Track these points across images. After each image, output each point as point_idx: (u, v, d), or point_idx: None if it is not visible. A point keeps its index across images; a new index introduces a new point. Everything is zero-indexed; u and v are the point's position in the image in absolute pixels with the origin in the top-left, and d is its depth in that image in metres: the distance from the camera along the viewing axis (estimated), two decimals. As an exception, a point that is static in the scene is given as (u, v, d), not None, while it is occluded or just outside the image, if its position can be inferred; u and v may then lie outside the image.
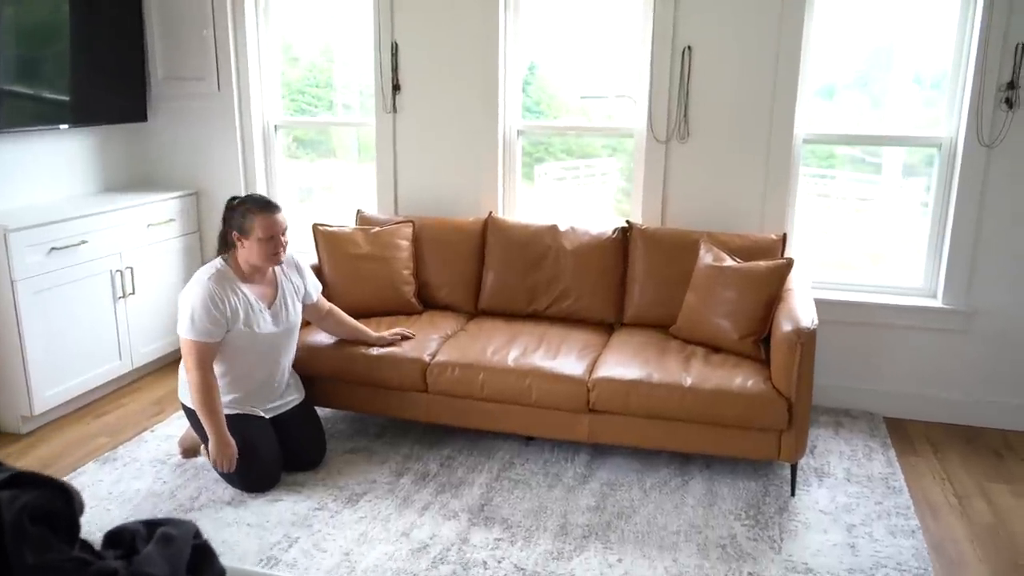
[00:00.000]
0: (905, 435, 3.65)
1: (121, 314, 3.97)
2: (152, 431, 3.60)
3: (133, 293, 4.02)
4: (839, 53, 3.72)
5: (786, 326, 2.95)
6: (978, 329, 3.67)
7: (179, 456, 3.29)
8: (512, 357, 3.27)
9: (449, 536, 2.80)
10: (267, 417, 3.13)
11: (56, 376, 3.63)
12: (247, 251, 2.97)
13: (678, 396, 3.01)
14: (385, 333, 3.40)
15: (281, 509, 2.96)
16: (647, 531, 2.84)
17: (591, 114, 4.18)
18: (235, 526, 2.85)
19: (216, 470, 3.03)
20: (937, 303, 3.72)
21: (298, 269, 3.24)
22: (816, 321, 2.95)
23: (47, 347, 3.56)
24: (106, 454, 3.38)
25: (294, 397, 3.26)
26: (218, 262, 3.00)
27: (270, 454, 3.05)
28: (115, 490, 3.10)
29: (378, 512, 2.94)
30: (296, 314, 3.19)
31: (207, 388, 2.89)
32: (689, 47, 3.70)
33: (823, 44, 3.68)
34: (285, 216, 3.04)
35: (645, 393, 3.05)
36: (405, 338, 3.40)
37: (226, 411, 2.98)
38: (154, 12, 4.26)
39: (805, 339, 2.87)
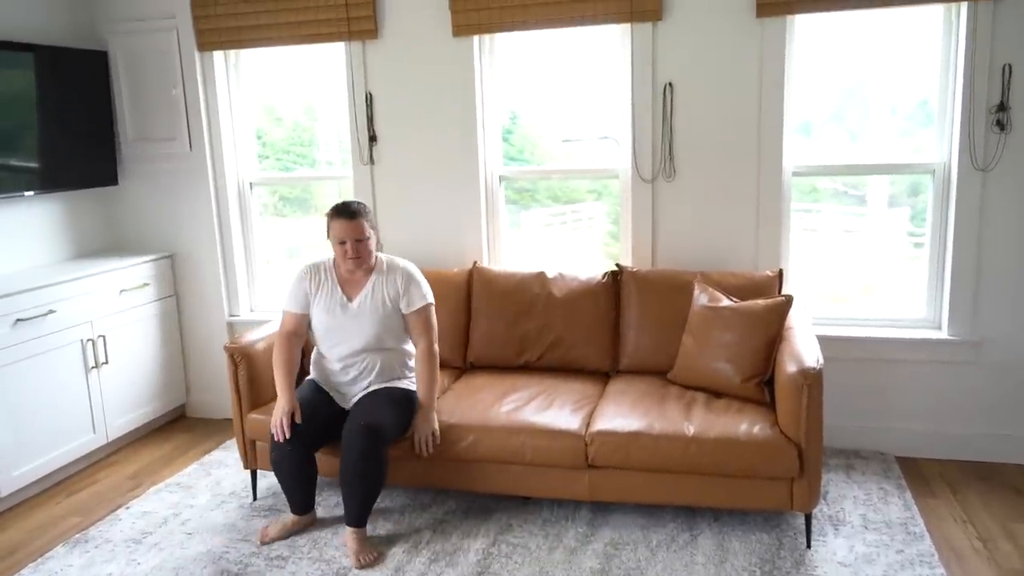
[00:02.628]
0: (920, 475, 3.48)
1: (94, 385, 3.79)
2: (127, 508, 3.40)
3: (106, 363, 3.85)
4: (824, 83, 3.65)
5: (791, 367, 2.81)
6: (987, 359, 3.53)
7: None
8: (504, 414, 3.11)
9: (444, 611, 2.60)
10: (349, 402, 3.11)
11: (25, 454, 3.44)
12: (334, 252, 3.14)
13: (682, 447, 2.85)
14: (424, 436, 3.05)
15: (263, 590, 2.76)
16: (657, 595, 2.66)
17: (574, 158, 4.08)
18: (213, 611, 2.65)
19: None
20: (942, 334, 3.58)
21: (406, 280, 3.16)
22: (821, 360, 2.81)
23: (14, 424, 3.38)
24: (76, 536, 3.17)
25: (373, 387, 3.12)
26: (329, 257, 3.22)
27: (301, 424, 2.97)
28: (86, 574, 2.89)
29: (368, 587, 2.75)
30: (373, 312, 3.11)
31: (279, 348, 3.13)
32: (670, 83, 3.62)
33: (807, 74, 3.61)
34: (363, 224, 3.07)
35: (647, 445, 2.88)
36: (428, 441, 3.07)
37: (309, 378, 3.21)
38: (122, 73, 4.16)
39: (811, 380, 2.72)
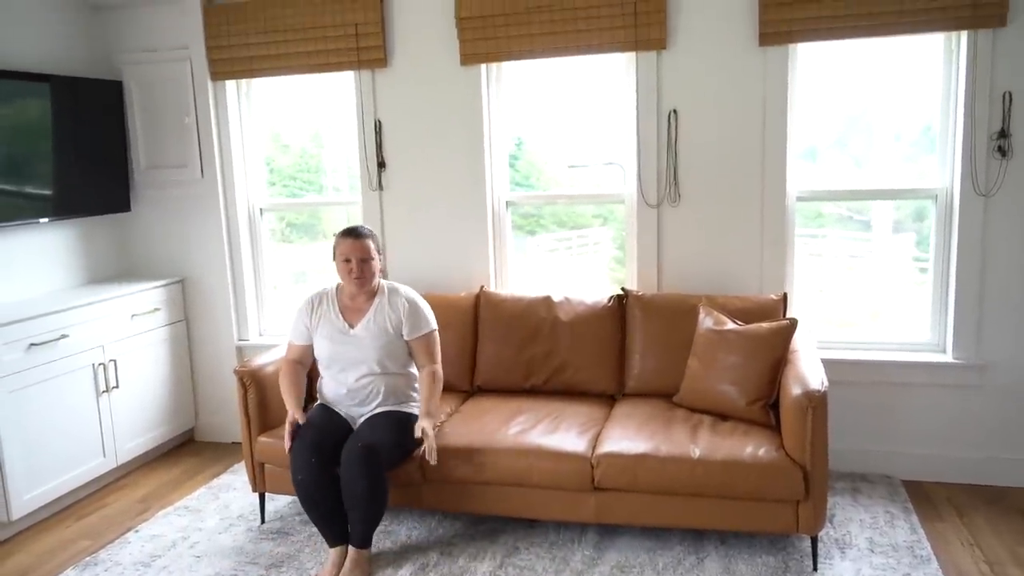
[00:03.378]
0: (926, 498, 3.48)
1: (104, 409, 3.83)
2: (136, 531, 3.42)
3: (117, 387, 3.89)
4: (827, 110, 3.70)
5: (795, 390, 2.83)
6: (992, 383, 3.54)
7: None
8: (510, 436, 3.13)
9: (452, 634, 2.61)
10: (357, 423, 3.15)
11: (36, 478, 3.47)
12: (338, 273, 3.20)
13: (688, 469, 2.86)
14: (426, 430, 3.03)
15: (271, 612, 2.77)
16: (663, 618, 2.66)
17: (580, 184, 4.13)
18: (222, 634, 2.66)
19: None
20: (947, 358, 3.60)
21: (409, 307, 3.22)
22: (826, 383, 2.83)
23: (26, 448, 3.41)
24: (87, 559, 3.20)
25: (379, 409, 3.16)
26: (331, 286, 3.30)
27: (303, 437, 3.03)
28: (94, 599, 2.91)
29: (375, 610, 2.76)
30: (375, 338, 3.16)
31: (284, 373, 3.25)
32: (674, 110, 3.68)
33: (810, 101, 3.66)
34: (368, 244, 3.17)
35: (653, 468, 2.90)
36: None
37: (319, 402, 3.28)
38: (136, 102, 4.24)
39: (816, 402, 2.74)
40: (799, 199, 3.71)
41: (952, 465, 3.61)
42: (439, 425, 3.21)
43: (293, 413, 3.09)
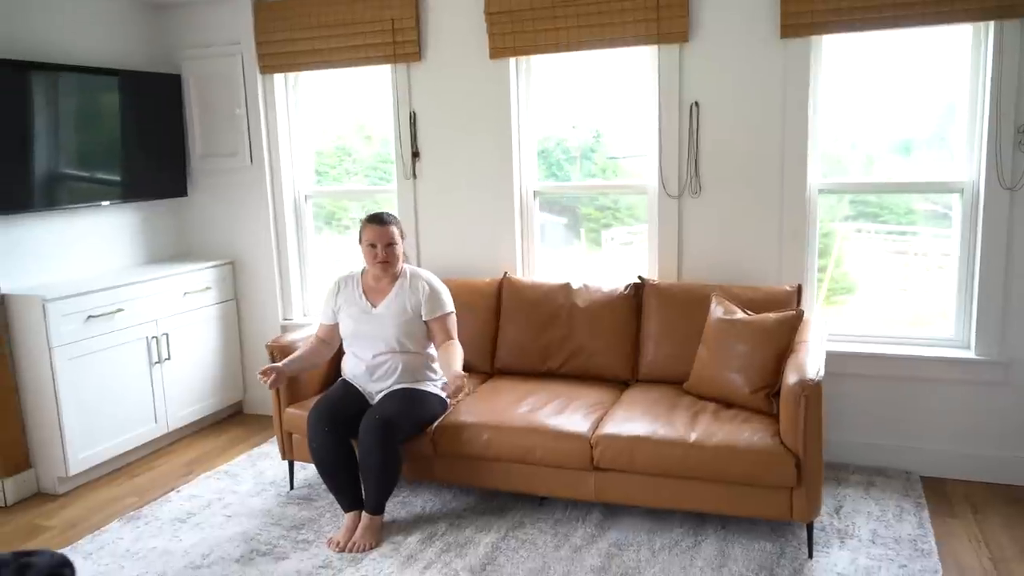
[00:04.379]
0: (943, 495, 3.45)
1: (157, 379, 4.14)
2: (178, 491, 3.70)
3: (169, 358, 4.20)
4: (851, 102, 3.68)
5: (791, 378, 2.87)
6: (1016, 380, 3.48)
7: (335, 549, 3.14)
8: (518, 415, 3.26)
9: (446, 596, 2.77)
10: (375, 399, 3.32)
11: (91, 439, 3.79)
12: (363, 257, 3.39)
13: (682, 452, 2.94)
14: (452, 388, 3.10)
15: (287, 568, 2.99)
16: (650, 593, 2.76)
17: (622, 172, 4.17)
18: (238, 584, 2.89)
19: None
20: (971, 354, 3.55)
21: (428, 289, 3.41)
22: (822, 373, 2.86)
23: (82, 411, 3.73)
24: (131, 513, 3.49)
25: (396, 386, 3.33)
26: (358, 269, 3.50)
27: (316, 407, 3.26)
28: (133, 548, 3.19)
29: (380, 570, 2.94)
30: (395, 317, 3.34)
31: (306, 343, 3.50)
32: (696, 103, 3.72)
33: (833, 92, 3.65)
34: (392, 230, 3.37)
35: (649, 450, 2.99)
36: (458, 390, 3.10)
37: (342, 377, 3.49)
38: (193, 95, 4.54)
39: (809, 391, 2.78)
40: (820, 191, 3.71)
41: (974, 463, 3.57)
42: (465, 393, 3.29)
43: (280, 362, 3.31)
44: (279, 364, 3.31)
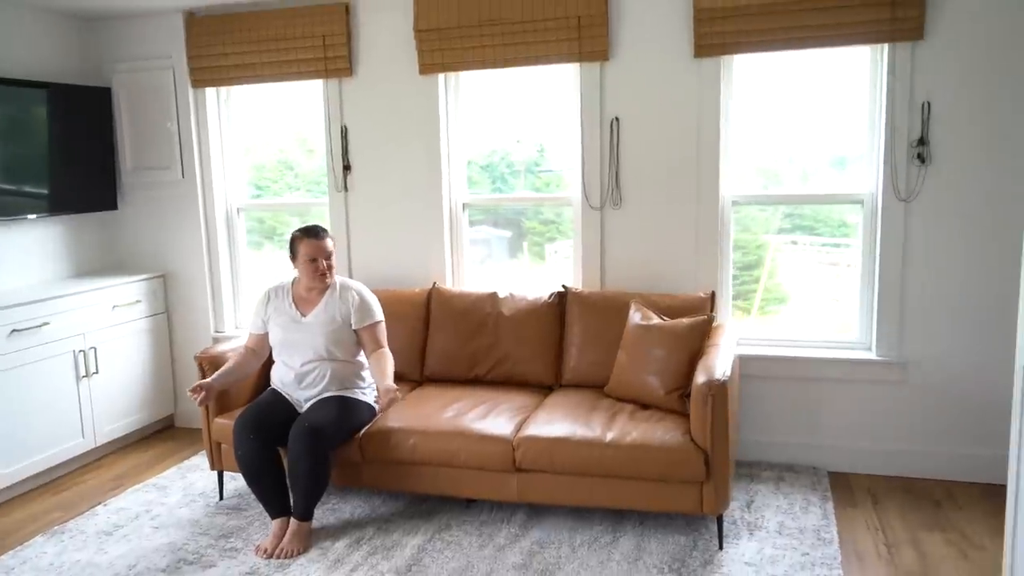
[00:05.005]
0: (847, 488, 3.66)
1: (84, 393, 4.12)
2: (105, 505, 3.69)
3: (97, 372, 4.18)
4: (761, 118, 3.89)
5: (700, 379, 3.03)
6: (913, 380, 3.71)
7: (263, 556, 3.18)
8: (444, 420, 3.36)
9: (371, 596, 2.84)
10: (304, 407, 3.38)
11: (16, 454, 3.76)
12: (300, 273, 3.47)
13: (599, 452, 3.08)
14: (387, 385, 3.25)
15: (213, 575, 3.02)
16: (568, 587, 2.87)
17: (564, 185, 4.27)
18: (164, 592, 2.92)
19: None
20: (872, 355, 3.77)
21: (358, 299, 3.48)
22: (728, 374, 3.03)
23: (6, 426, 3.70)
24: (56, 528, 3.48)
25: (325, 393, 3.39)
26: (288, 279, 3.57)
27: (242, 416, 3.32)
28: (56, 561, 3.18)
29: (307, 574, 3.00)
30: (323, 326, 3.41)
31: (235, 355, 3.53)
32: (617, 118, 3.89)
33: (745, 109, 3.86)
34: (331, 243, 3.48)
35: (568, 450, 3.11)
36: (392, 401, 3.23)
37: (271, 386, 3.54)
38: (123, 108, 4.55)
39: (716, 391, 2.94)
40: (734, 203, 3.91)
41: (876, 457, 3.78)
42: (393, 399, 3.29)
43: (210, 377, 3.38)
44: (208, 380, 3.35)
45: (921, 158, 3.56)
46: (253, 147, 4.71)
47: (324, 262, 3.42)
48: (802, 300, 4.05)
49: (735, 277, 4.02)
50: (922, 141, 3.55)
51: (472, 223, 4.37)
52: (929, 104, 3.52)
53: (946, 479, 3.69)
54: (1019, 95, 3.42)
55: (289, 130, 4.68)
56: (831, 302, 3.97)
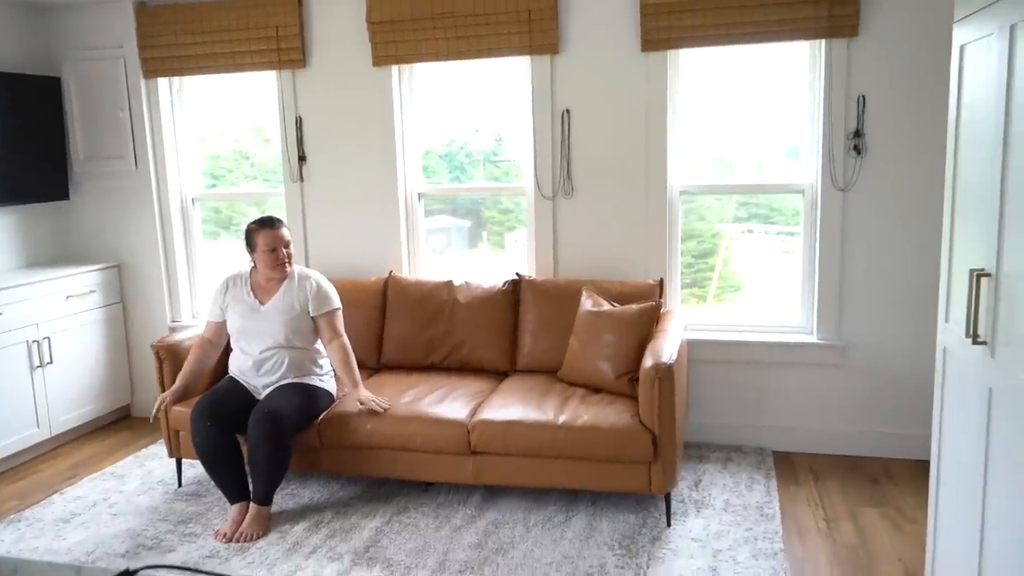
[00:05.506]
0: (791, 467, 3.82)
1: (39, 383, 4.10)
2: (62, 494, 3.70)
3: (51, 362, 4.17)
4: (707, 110, 4.01)
5: (648, 362, 3.15)
6: (852, 363, 3.88)
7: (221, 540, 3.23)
8: (400, 405, 3.43)
9: (329, 577, 2.91)
10: (262, 394, 3.43)
11: (-31, 445, 3.75)
12: (258, 263, 3.50)
13: (551, 434, 3.18)
14: (363, 398, 3.42)
15: (172, 559, 3.06)
16: (521, 563, 2.97)
17: (523, 175, 4.34)
18: None
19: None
20: (814, 339, 3.93)
21: (315, 287, 3.54)
22: (674, 357, 3.15)
23: (-41, 416, 3.69)
24: (11, 516, 3.48)
25: (283, 380, 3.44)
26: (246, 268, 3.59)
27: (200, 403, 3.37)
28: (13, 549, 3.20)
29: (267, 557, 3.06)
30: (282, 314, 3.46)
31: (192, 350, 3.58)
32: (567, 110, 3.99)
33: (692, 101, 3.98)
34: (287, 232, 3.51)
35: (521, 433, 3.21)
36: (373, 412, 3.39)
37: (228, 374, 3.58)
38: (74, 97, 4.52)
39: (662, 374, 3.06)
40: (682, 192, 4.03)
41: (819, 437, 3.95)
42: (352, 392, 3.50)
43: (169, 391, 3.49)
44: (165, 395, 3.48)
45: (857, 149, 3.71)
46: (208, 137, 4.71)
47: (283, 251, 3.47)
48: (756, 287, 4.19)
49: (690, 265, 4.16)
50: (858, 133, 3.70)
51: (431, 212, 4.44)
52: (864, 97, 3.68)
53: (884, 456, 3.88)
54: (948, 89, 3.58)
55: (244, 120, 4.69)
56: (785, 289, 4.11)
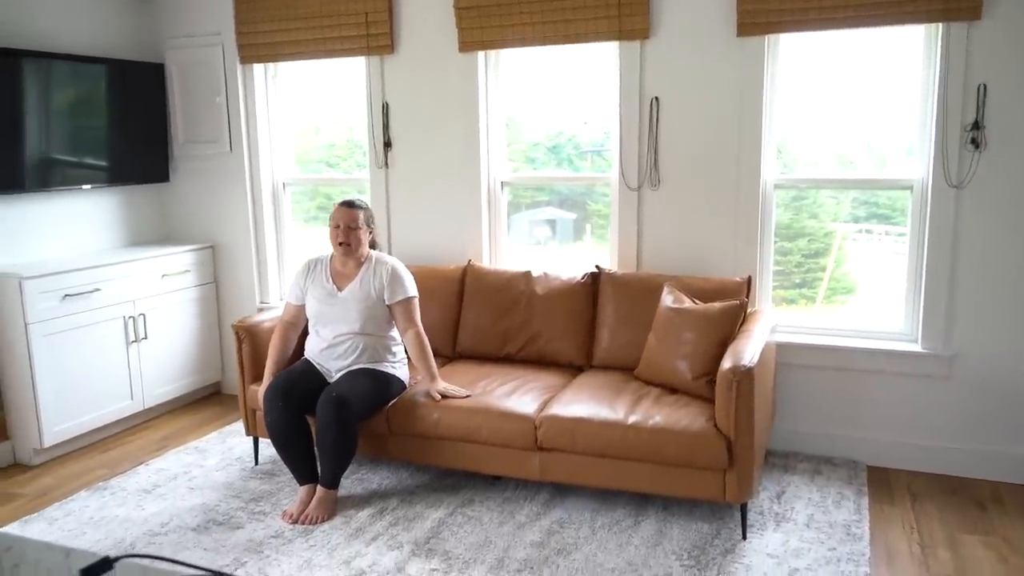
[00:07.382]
0: (886, 484, 3.54)
1: (133, 357, 4.27)
2: (147, 465, 3.84)
3: (146, 338, 4.33)
4: (807, 99, 3.76)
5: (726, 364, 2.96)
6: (961, 375, 3.56)
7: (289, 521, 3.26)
8: (470, 397, 3.37)
9: (387, 565, 2.89)
10: (334, 377, 3.44)
11: (66, 413, 3.93)
12: (329, 238, 3.50)
13: (619, 434, 3.05)
14: (442, 390, 3.40)
15: (239, 536, 3.11)
16: (582, 567, 2.86)
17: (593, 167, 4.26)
18: (192, 549, 3.03)
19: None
20: (918, 347, 3.63)
21: (391, 274, 3.51)
22: (755, 360, 2.95)
23: (58, 386, 3.87)
24: (99, 484, 3.63)
25: (355, 366, 3.45)
26: (327, 254, 3.62)
27: (273, 383, 3.39)
28: (96, 515, 3.33)
29: (328, 541, 3.06)
30: (359, 301, 3.46)
31: (275, 335, 3.61)
32: (656, 98, 3.82)
33: (789, 90, 3.74)
34: (357, 214, 3.48)
35: (588, 431, 3.09)
36: (445, 398, 3.38)
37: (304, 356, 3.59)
38: (175, 83, 4.68)
39: (741, 377, 2.88)
40: (776, 187, 3.80)
41: (919, 454, 3.65)
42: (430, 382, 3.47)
43: (265, 381, 3.48)
44: (260, 390, 3.48)
45: (975, 143, 3.39)
46: (308, 122, 4.78)
47: (344, 230, 3.43)
48: (869, 291, 3.90)
49: (800, 265, 3.92)
50: (976, 125, 3.38)
51: (537, 204, 4.36)
52: (985, 87, 3.35)
53: (992, 479, 3.54)
54: (1085, 77, 3.22)
55: (335, 107, 4.73)
56: (893, 294, 3.80)
